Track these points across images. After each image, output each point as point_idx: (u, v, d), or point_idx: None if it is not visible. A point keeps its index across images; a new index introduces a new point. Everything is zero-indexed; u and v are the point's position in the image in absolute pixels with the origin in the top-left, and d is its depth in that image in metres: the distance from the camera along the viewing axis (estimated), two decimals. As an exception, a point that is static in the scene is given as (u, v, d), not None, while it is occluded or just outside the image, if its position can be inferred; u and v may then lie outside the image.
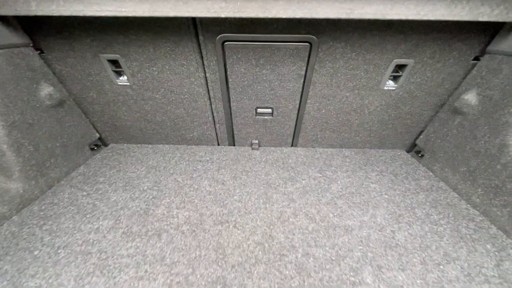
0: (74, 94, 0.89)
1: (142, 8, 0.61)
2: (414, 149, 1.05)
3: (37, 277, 0.52)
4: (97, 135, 1.04)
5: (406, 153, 1.06)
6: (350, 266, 0.56)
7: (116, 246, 0.60)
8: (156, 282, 0.52)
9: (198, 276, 0.53)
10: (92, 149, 1.02)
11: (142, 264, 0.56)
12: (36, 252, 0.58)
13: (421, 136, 1.00)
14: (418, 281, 0.53)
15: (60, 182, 0.84)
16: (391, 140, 1.04)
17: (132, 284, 0.51)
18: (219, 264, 0.56)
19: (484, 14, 0.62)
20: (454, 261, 0.57)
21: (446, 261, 0.57)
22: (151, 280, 0.52)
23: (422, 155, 0.99)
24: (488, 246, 0.61)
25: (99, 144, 1.07)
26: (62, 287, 0.51)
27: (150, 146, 1.08)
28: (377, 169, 0.94)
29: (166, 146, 1.08)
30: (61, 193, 0.78)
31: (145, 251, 0.59)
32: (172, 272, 0.54)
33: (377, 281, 0.53)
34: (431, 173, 0.91)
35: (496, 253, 0.60)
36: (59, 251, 0.59)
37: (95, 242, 0.61)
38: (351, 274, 0.54)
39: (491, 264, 0.57)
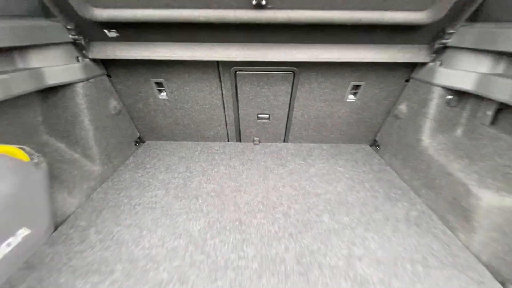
0: (127, 105, 1.26)
1: (187, 54, 0.98)
2: (375, 143, 1.42)
3: (127, 220, 0.89)
4: (138, 134, 1.41)
5: (369, 147, 1.44)
6: (316, 213, 0.93)
7: (171, 204, 0.97)
8: (199, 221, 0.89)
9: (224, 218, 0.90)
10: (135, 144, 1.39)
11: (189, 213, 0.93)
12: (122, 207, 0.95)
13: (378, 134, 1.38)
14: (355, 221, 0.90)
15: (120, 167, 1.20)
16: (357, 137, 1.42)
17: (186, 222, 0.88)
18: (236, 212, 0.93)
19: (401, 59, 1.00)
20: (380, 211, 0.95)
21: (375, 211, 0.95)
22: (196, 220, 0.89)
23: (379, 148, 1.37)
24: (405, 203, 0.99)
25: (139, 141, 1.44)
26: (143, 225, 0.87)
27: (177, 142, 1.45)
28: (344, 158, 1.31)
29: (190, 142, 1.45)
30: (123, 174, 1.15)
31: (190, 207, 0.96)
32: (208, 216, 0.91)
33: (331, 220, 0.90)
34: (382, 160, 1.29)
35: (408, 207, 0.97)
36: (136, 207, 0.96)
37: (156, 202, 0.98)
38: (316, 217, 0.92)
39: (403, 213, 0.94)
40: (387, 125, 1.30)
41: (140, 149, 1.38)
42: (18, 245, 0.70)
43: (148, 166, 1.22)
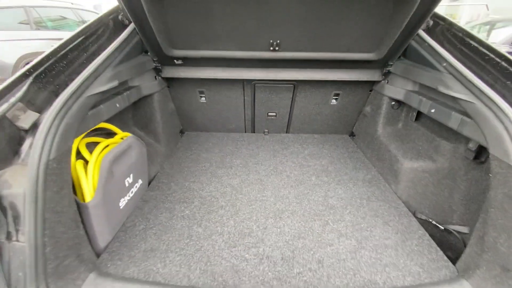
0: (177, 107, 1.81)
1: (223, 74, 1.53)
2: (352, 134, 1.99)
3: (191, 179, 1.45)
4: (181, 127, 1.96)
5: (348, 136, 2.00)
6: (307, 176, 1.50)
7: (215, 171, 1.53)
8: (236, 180, 1.45)
9: (250, 178, 1.46)
10: (180, 134, 1.94)
11: (228, 175, 1.49)
12: (184, 173, 1.51)
13: (354, 127, 1.94)
14: (331, 180, 1.46)
15: (174, 149, 1.76)
16: (339, 129, 1.98)
17: (228, 180, 1.44)
18: (257, 175, 1.49)
19: (364, 78, 1.55)
20: (348, 175, 1.51)
21: (345, 175, 1.51)
22: (234, 179, 1.45)
23: (354, 136, 1.94)
24: (364, 171, 1.56)
25: (182, 132, 1.99)
26: (202, 181, 1.43)
27: (209, 133, 2.01)
28: (329, 143, 1.88)
29: (218, 133, 2.01)
30: (179, 154, 1.71)
31: (228, 173, 1.52)
32: (240, 177, 1.47)
33: (316, 179, 1.47)
34: (355, 145, 1.86)
35: (366, 172, 1.54)
36: (194, 172, 1.52)
37: (205, 169, 1.54)
38: (307, 178, 1.48)
39: (362, 175, 1.51)
40: (359, 121, 1.86)
41: (184, 137, 1.93)
42: (139, 188, 1.27)
43: (193, 148, 1.78)
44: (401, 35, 1.23)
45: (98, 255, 0.97)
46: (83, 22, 4.54)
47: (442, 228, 1.12)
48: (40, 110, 0.80)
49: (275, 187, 1.38)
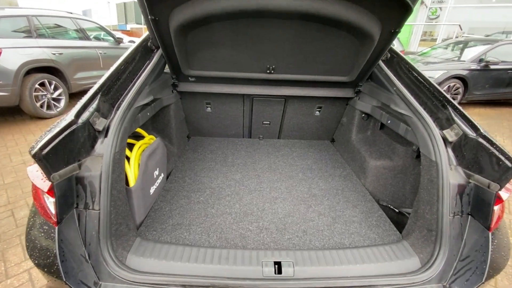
0: (186, 115, 2.18)
1: (227, 89, 1.93)
2: (332, 140, 2.42)
3: (202, 174, 1.81)
4: (188, 132, 2.32)
5: (329, 142, 2.44)
6: (295, 173, 1.90)
7: (220, 168, 1.90)
8: (238, 175, 1.82)
9: (250, 174, 1.85)
10: (187, 138, 2.30)
11: (232, 171, 1.86)
12: (195, 169, 1.87)
13: (334, 134, 2.38)
14: (314, 176, 1.87)
15: (184, 150, 2.12)
16: (323, 135, 2.41)
17: (231, 175, 1.81)
18: (255, 172, 1.88)
19: (340, 95, 2.00)
20: (327, 172, 1.93)
21: (325, 172, 1.93)
22: (236, 175, 1.83)
23: (334, 142, 2.37)
24: (341, 169, 1.98)
25: (189, 136, 2.35)
26: (210, 176, 1.79)
27: (211, 138, 2.38)
28: (313, 148, 2.30)
29: (220, 138, 2.38)
30: (188, 155, 2.07)
31: (231, 169, 1.89)
32: (242, 173, 1.85)
33: (302, 175, 1.87)
34: (335, 149, 2.29)
35: (342, 170, 1.96)
36: (203, 169, 1.88)
37: (212, 167, 1.91)
38: (295, 174, 1.88)
39: (338, 173, 1.93)
40: (338, 129, 2.31)
41: (190, 141, 2.30)
42: (161, 180, 1.62)
43: (199, 150, 2.15)
44: (366, 64, 1.68)
45: (137, 228, 1.31)
46: (81, 29, 4.83)
47: (397, 211, 1.55)
48: (106, 117, 1.16)
49: (270, 181, 1.77)
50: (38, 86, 3.87)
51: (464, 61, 5.59)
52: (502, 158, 0.91)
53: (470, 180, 1.05)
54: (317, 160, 2.09)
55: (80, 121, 0.99)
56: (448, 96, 1.26)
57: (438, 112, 1.27)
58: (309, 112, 2.22)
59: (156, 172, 1.53)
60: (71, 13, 4.83)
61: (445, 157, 1.10)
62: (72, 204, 0.97)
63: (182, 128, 2.17)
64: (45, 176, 0.87)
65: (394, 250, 1.15)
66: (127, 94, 1.23)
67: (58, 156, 0.88)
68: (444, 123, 1.21)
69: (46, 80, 4.00)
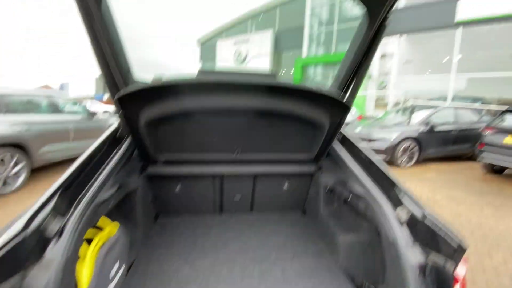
0: (153, 195, 2.14)
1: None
2: (304, 210, 2.46)
3: (167, 264, 1.69)
4: (156, 212, 2.23)
5: (301, 212, 2.46)
6: (261, 246, 1.84)
7: (190, 253, 1.79)
8: (207, 260, 1.72)
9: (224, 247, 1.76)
10: (154, 219, 2.20)
11: (203, 250, 1.76)
12: (161, 258, 1.74)
13: (305, 205, 2.43)
14: (278, 266, 1.82)
15: (149, 234, 2.00)
16: (294, 206, 2.45)
17: (200, 265, 1.71)
18: (227, 257, 1.79)
19: (306, 171, 2.13)
20: (300, 257, 1.89)
21: (297, 256, 1.88)
22: (203, 259, 1.73)
23: (306, 214, 2.40)
24: (315, 252, 1.96)
25: (155, 217, 2.25)
26: (176, 269, 1.68)
27: (181, 217, 2.30)
28: (286, 221, 2.29)
29: (190, 216, 2.31)
30: (154, 239, 1.95)
31: (205, 243, 1.79)
32: (216, 248, 1.76)
33: (275, 259, 1.81)
34: (307, 221, 2.30)
35: (320, 253, 1.94)
36: (170, 257, 1.76)
37: (181, 253, 1.80)
38: (261, 244, 1.82)
39: (313, 259, 1.90)
40: (307, 201, 2.37)
41: (158, 222, 2.19)
42: (121, 275, 1.48)
43: (167, 233, 2.04)
44: (322, 145, 1.87)
45: None
46: (53, 103, 4.90)
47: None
48: (62, 216, 1.11)
49: (242, 266, 1.69)
50: (-4, 163, 3.66)
51: (413, 124, 6.36)
52: (449, 239, 0.98)
53: (429, 259, 1.07)
54: (290, 235, 2.08)
55: (31, 228, 0.94)
56: (394, 177, 1.36)
57: (389, 191, 1.36)
58: (278, 186, 2.29)
59: (115, 268, 1.40)
60: (47, 86, 4.97)
61: (401, 237, 1.14)
62: None
63: (149, 211, 2.09)
64: None
65: None
66: (89, 189, 1.21)
67: (1, 269, 0.81)
68: (396, 202, 1.28)
69: (8, 155, 3.83)
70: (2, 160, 3.73)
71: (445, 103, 11.11)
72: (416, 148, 6.07)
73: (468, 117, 6.91)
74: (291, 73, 18.06)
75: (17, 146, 3.96)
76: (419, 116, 6.63)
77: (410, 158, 6.05)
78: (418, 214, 1.14)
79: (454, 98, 11.63)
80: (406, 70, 13.46)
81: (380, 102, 14.14)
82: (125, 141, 1.63)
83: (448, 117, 6.66)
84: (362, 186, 1.48)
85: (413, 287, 1.01)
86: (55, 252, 0.98)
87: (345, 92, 1.62)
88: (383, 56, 13.71)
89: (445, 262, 0.99)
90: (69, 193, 1.13)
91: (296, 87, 1.52)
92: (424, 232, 1.10)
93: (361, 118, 9.51)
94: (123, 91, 1.29)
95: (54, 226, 1.02)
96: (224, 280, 1.57)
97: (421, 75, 13.44)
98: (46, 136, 4.47)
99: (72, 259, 1.04)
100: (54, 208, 1.04)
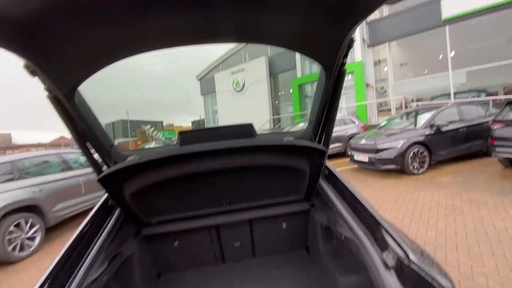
0: (153, 254, 2.13)
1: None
2: (307, 249, 2.38)
3: None
4: (158, 271, 2.21)
5: (305, 251, 2.36)
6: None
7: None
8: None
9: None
10: (157, 278, 2.17)
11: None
12: None
13: (307, 242, 2.36)
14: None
15: None
16: (296, 245, 2.36)
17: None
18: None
19: (300, 209, 2.09)
20: (292, 284, 1.80)
21: (290, 280, 1.80)
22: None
23: (309, 251, 2.31)
24: (313, 273, 1.87)
25: (157, 276, 2.22)
26: None
27: (183, 271, 2.26)
28: (290, 262, 2.21)
29: (192, 269, 2.26)
30: None
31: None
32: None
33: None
34: (311, 260, 2.21)
35: (310, 277, 1.85)
36: None
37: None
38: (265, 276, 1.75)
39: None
40: (309, 238, 2.28)
41: (161, 281, 2.16)
42: None
43: (174, 282, 2.01)
44: (308, 186, 1.86)
45: None
46: (64, 161, 5.12)
47: None
48: None
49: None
50: (12, 228, 3.78)
51: (419, 128, 6.24)
52: (434, 284, 0.92)
53: None
54: (294, 281, 1.98)
55: None
56: (379, 217, 1.29)
57: (376, 233, 1.28)
58: (276, 227, 2.24)
59: None
60: (63, 138, 5.22)
61: (389, 283, 1.06)
62: None
63: (150, 272, 2.06)
64: None
65: None
66: (77, 274, 1.17)
67: None
68: (383, 245, 1.20)
69: (23, 220, 3.94)
70: (17, 225, 3.84)
71: (450, 100, 10.94)
72: (426, 152, 5.90)
73: (474, 112, 6.74)
74: (290, 92, 18.39)
75: (31, 208, 4.10)
76: (424, 119, 6.51)
77: (422, 163, 5.86)
78: (404, 258, 1.07)
79: (457, 94, 11.46)
80: (403, 73, 13.51)
81: (384, 108, 14.06)
82: (116, 209, 1.67)
83: (453, 116, 6.51)
84: (350, 228, 1.42)
85: None
86: None
87: (321, 134, 1.67)
88: (377, 62, 13.86)
89: None
90: (57, 283, 1.10)
91: (272, 143, 1.59)
92: (412, 277, 1.04)
93: (365, 128, 9.41)
94: (104, 173, 1.34)
95: None
96: None
97: (419, 76, 13.41)
98: (59, 194, 4.62)
99: None
100: None
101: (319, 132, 1.68)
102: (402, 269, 1.08)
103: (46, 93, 1.10)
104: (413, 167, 5.79)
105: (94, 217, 1.47)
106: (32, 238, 4.05)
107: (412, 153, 5.78)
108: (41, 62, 0.94)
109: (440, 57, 12.32)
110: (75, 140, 1.31)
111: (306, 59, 17.16)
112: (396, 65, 13.68)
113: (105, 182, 1.39)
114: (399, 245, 1.13)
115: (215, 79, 23.03)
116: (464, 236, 2.95)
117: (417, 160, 5.82)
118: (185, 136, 1.65)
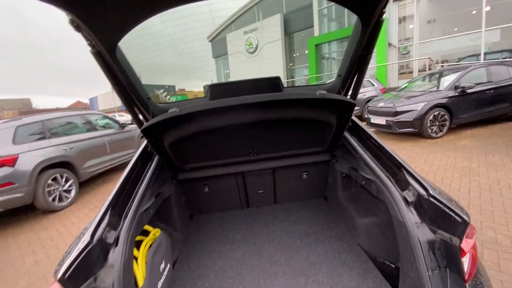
0: (186, 198, 2.35)
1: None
2: (325, 197, 2.53)
3: (205, 258, 1.89)
4: (190, 212, 2.45)
5: (323, 199, 2.53)
6: (288, 228, 1.97)
7: (223, 247, 1.98)
8: (247, 233, 1.89)
9: (256, 232, 1.92)
10: (190, 218, 2.42)
11: (240, 233, 1.94)
12: (199, 253, 1.95)
13: (326, 192, 2.50)
14: (303, 252, 1.92)
15: (187, 233, 2.22)
16: (316, 194, 2.52)
17: (240, 234, 1.89)
18: (256, 247, 1.95)
19: (321, 159, 2.19)
20: (323, 242, 1.97)
21: (320, 242, 1.97)
22: (245, 233, 1.90)
23: (327, 200, 2.47)
24: (337, 236, 2.04)
25: (190, 216, 2.47)
26: (213, 262, 1.87)
27: (213, 214, 2.50)
28: (309, 209, 2.38)
29: (220, 213, 2.50)
30: (192, 237, 2.17)
31: (239, 233, 1.97)
32: (247, 234, 1.92)
33: (292, 228, 1.93)
34: (329, 207, 2.37)
35: (341, 237, 2.02)
36: (206, 251, 1.96)
37: (215, 246, 1.99)
38: (290, 227, 1.95)
39: (336, 243, 1.98)
40: (327, 188, 2.43)
41: (194, 221, 2.42)
42: (168, 271, 1.70)
43: (201, 230, 2.25)
44: (333, 137, 1.92)
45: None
46: (88, 122, 5.37)
47: (394, 266, 1.58)
48: (115, 228, 1.31)
49: (270, 254, 1.84)
50: (50, 182, 4.16)
51: (442, 90, 5.96)
52: (452, 214, 1.02)
53: (437, 236, 1.10)
54: (313, 222, 2.17)
55: (95, 239, 1.14)
56: (401, 160, 1.38)
57: (397, 175, 1.40)
58: (297, 177, 2.38)
59: (162, 265, 1.62)
60: (81, 108, 5.45)
61: (409, 217, 1.18)
62: None
63: (184, 212, 2.31)
64: None
65: None
66: (132, 203, 1.41)
67: (78, 275, 1.01)
68: (403, 184, 1.32)
69: (58, 174, 4.31)
70: (54, 178, 4.22)
71: (478, 62, 10.15)
72: (447, 115, 5.72)
73: (504, 73, 6.30)
74: (305, 53, 17.54)
75: (64, 164, 4.45)
76: (448, 80, 6.18)
77: (442, 126, 5.73)
78: (424, 194, 1.17)
79: (487, 55, 10.58)
80: (430, 31, 12.45)
81: (405, 71, 13.30)
82: (155, 154, 1.82)
83: (481, 77, 6.13)
84: (372, 171, 1.52)
85: (423, 263, 1.07)
86: (115, 257, 1.18)
87: (349, 87, 1.66)
88: (402, 19, 12.77)
89: (452, 236, 1.02)
90: (117, 209, 1.34)
91: (300, 97, 1.60)
92: (430, 211, 1.14)
93: (384, 91, 9.07)
94: (145, 124, 1.47)
95: (111, 237, 1.23)
96: (255, 268, 1.72)
97: (448, 35, 12.33)
98: (88, 152, 4.95)
99: (128, 261, 1.24)
100: (108, 223, 1.25)
101: (346, 85, 1.69)
102: (421, 204, 1.18)
103: (89, 49, 1.17)
104: (432, 131, 5.68)
105: (136, 162, 1.64)
106: (68, 191, 4.47)
107: (432, 116, 5.62)
108: (85, 17, 0.99)
109: (474, 12, 11.15)
110: (117, 93, 1.40)
111: (324, 16, 15.99)
112: (423, 22, 12.55)
113: (148, 132, 1.51)
114: (419, 182, 1.22)
115: (226, 40, 22.12)
116: (478, 195, 3.01)
117: (437, 123, 5.68)
118: (215, 89, 1.71)
